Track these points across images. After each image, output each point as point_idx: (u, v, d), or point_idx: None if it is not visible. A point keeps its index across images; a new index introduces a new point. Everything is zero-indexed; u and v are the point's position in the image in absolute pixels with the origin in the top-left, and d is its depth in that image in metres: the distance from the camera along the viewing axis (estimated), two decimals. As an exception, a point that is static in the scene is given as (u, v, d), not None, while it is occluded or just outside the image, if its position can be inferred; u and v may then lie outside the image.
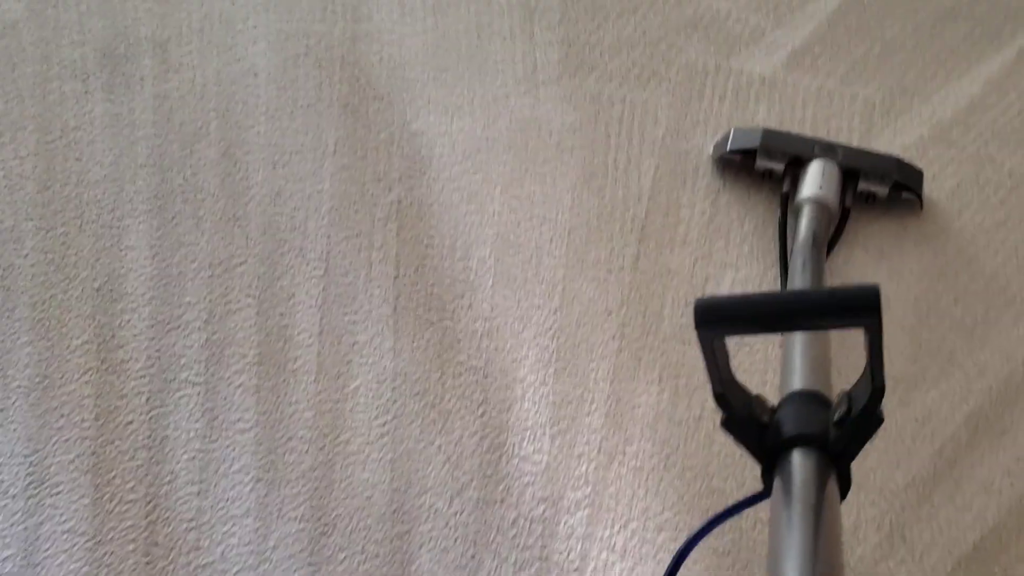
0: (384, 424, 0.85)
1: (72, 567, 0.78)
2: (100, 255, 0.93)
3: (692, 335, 0.54)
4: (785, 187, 1.00)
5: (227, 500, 0.81)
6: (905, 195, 1.01)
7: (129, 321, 0.89)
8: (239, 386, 0.86)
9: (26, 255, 0.93)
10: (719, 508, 0.61)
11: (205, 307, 0.91)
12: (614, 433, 0.85)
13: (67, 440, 0.83)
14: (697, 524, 0.65)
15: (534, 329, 0.91)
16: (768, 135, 1.03)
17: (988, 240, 0.99)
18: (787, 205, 0.99)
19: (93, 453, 0.83)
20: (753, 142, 1.01)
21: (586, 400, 0.87)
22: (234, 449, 0.83)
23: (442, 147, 1.02)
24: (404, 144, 1.02)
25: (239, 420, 0.85)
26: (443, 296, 0.92)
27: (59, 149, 1.00)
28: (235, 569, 0.78)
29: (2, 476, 0.81)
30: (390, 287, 0.93)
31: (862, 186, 1.00)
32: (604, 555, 0.79)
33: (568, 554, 0.79)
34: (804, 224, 0.93)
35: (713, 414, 0.75)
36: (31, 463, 0.82)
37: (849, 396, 0.57)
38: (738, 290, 0.94)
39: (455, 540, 0.80)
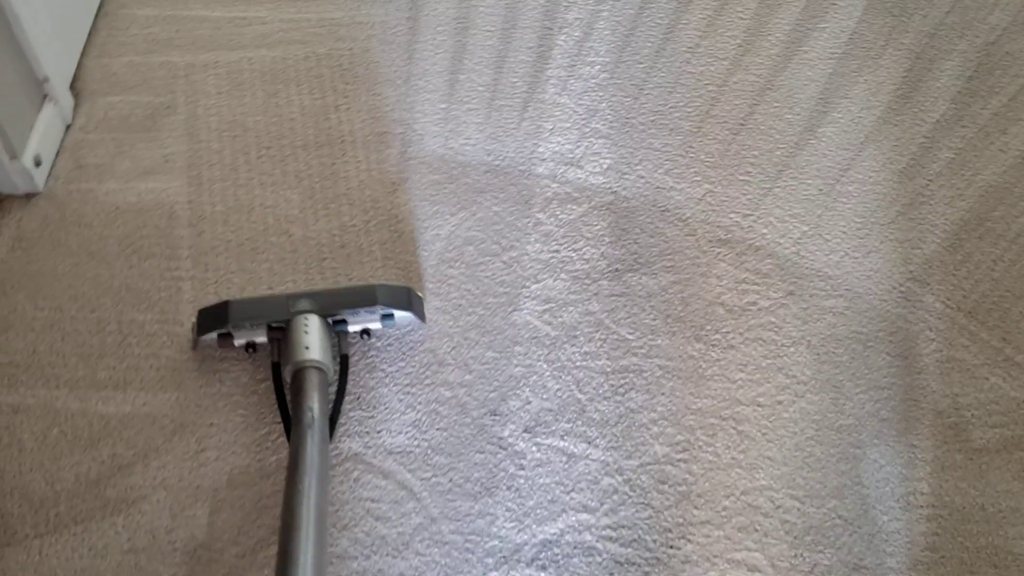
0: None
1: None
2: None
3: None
4: (274, 356, 0.89)
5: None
6: (399, 315, 0.92)
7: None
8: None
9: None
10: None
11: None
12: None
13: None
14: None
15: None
16: (236, 307, 0.89)
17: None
18: (279, 375, 0.88)
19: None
20: (223, 322, 0.88)
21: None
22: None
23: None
24: None
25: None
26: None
27: None
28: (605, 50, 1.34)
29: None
30: None
31: (353, 327, 0.91)
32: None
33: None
34: (299, 399, 0.83)
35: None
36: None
37: None
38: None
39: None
